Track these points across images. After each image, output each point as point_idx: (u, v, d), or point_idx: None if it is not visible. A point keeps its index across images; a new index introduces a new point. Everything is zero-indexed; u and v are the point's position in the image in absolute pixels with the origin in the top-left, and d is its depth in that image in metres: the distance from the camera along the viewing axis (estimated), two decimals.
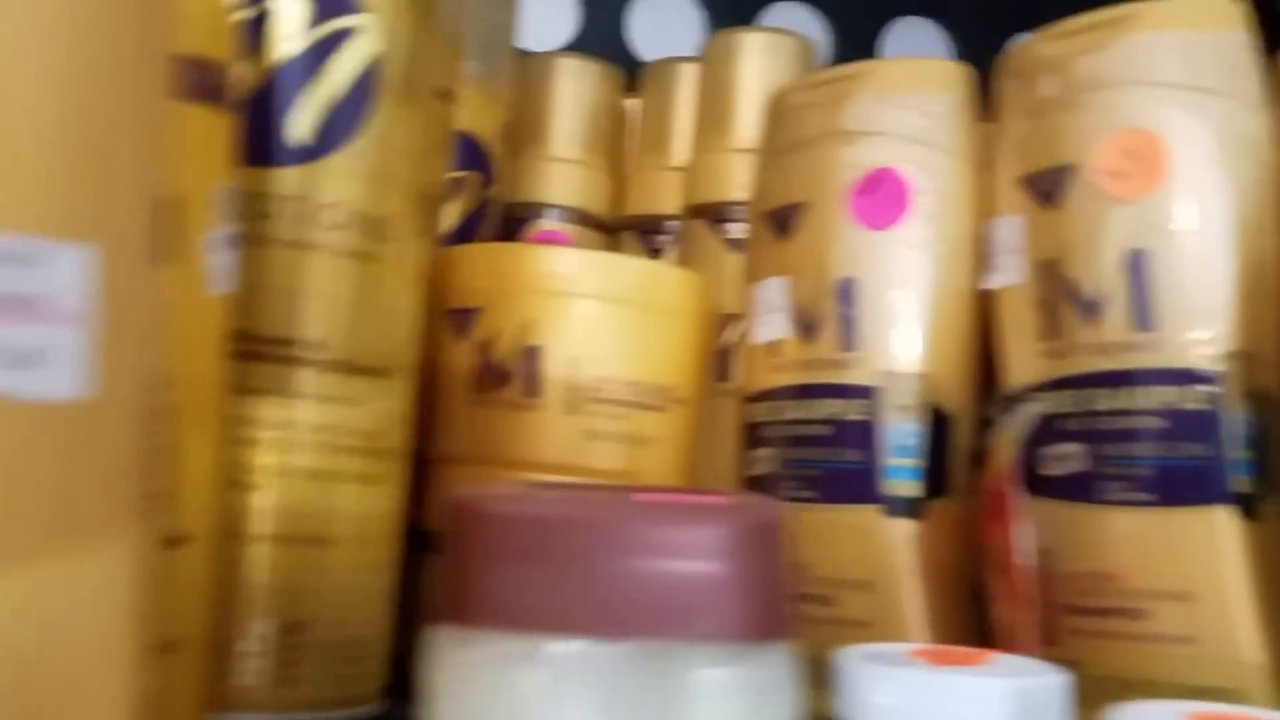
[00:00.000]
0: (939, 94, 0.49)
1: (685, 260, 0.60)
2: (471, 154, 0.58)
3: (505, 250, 0.50)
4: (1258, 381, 0.40)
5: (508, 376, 0.47)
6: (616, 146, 0.68)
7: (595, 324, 0.47)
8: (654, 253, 0.63)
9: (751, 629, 0.24)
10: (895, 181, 0.48)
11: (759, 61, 0.61)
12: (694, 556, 0.23)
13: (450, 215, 0.56)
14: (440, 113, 0.48)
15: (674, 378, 0.49)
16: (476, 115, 0.58)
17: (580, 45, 0.80)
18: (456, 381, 0.48)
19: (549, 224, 0.64)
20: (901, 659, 0.32)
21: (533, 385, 0.47)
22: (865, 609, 0.45)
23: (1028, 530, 0.41)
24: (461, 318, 0.48)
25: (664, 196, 0.63)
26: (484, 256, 0.49)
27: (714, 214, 0.58)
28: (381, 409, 0.38)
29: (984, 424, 0.47)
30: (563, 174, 0.65)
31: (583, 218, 0.65)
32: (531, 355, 0.47)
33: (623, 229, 0.66)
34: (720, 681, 0.23)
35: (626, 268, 0.49)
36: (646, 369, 0.48)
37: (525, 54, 0.68)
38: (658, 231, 0.63)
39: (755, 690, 0.24)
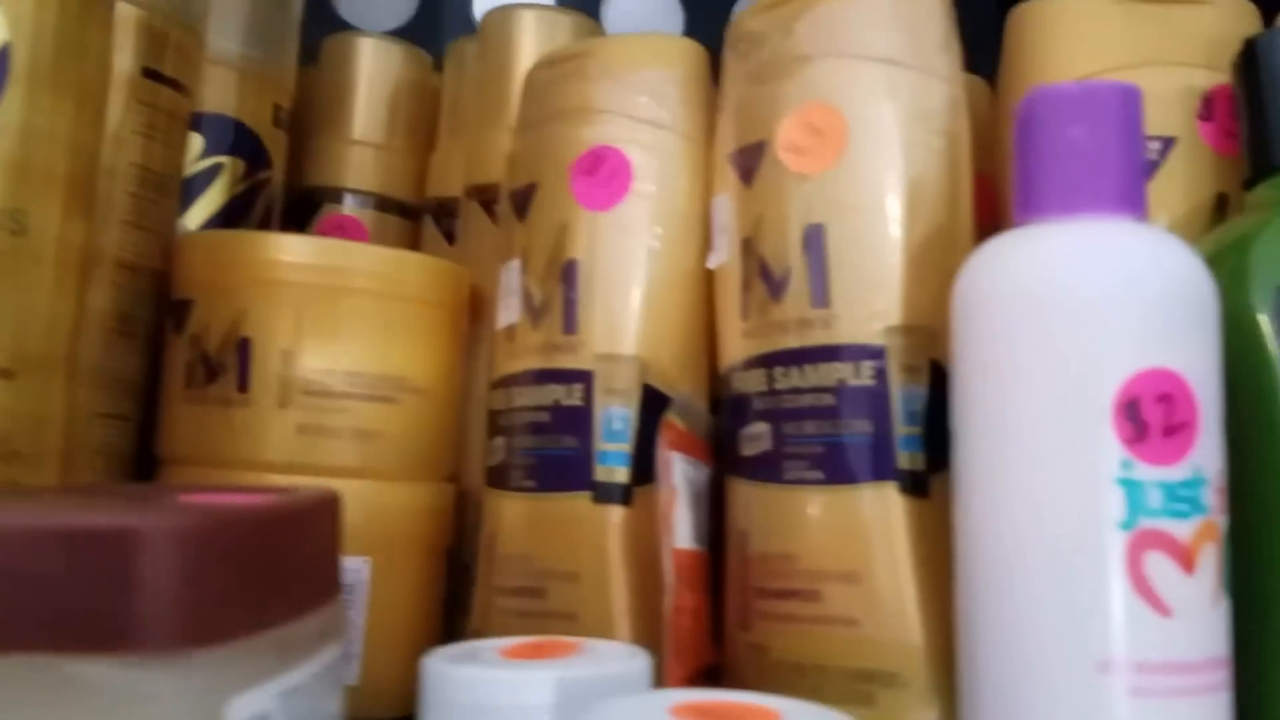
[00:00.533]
0: (666, 70, 0.49)
1: (464, 242, 0.59)
2: (236, 138, 0.57)
3: (218, 238, 0.49)
4: (929, 355, 0.39)
5: (219, 371, 0.46)
6: (424, 128, 0.67)
7: (313, 314, 0.47)
8: (448, 236, 0.62)
9: (158, 638, 0.23)
10: (616, 161, 0.47)
11: (533, 39, 0.60)
12: (78, 563, 0.23)
13: (210, 202, 0.56)
14: (163, 97, 0.48)
15: (408, 368, 0.48)
16: (243, 99, 0.58)
17: (420, 24, 0.79)
18: (174, 377, 0.48)
19: (347, 209, 0.64)
20: (484, 655, 0.32)
21: (244, 379, 0.46)
22: (572, 601, 0.44)
23: (683, 515, 0.40)
24: (179, 310, 0.48)
25: (459, 178, 0.62)
26: (199, 246, 0.49)
27: (485, 195, 0.57)
28: (22, 410, 0.37)
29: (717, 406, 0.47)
30: (361, 157, 0.65)
31: (382, 202, 0.64)
32: (243, 348, 0.46)
33: (425, 212, 0.65)
34: (120, 694, 0.23)
35: (351, 255, 0.48)
36: (372, 359, 0.48)
37: (335, 34, 0.68)
38: (453, 214, 0.62)
39: (173, 700, 0.23)
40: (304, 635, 0.28)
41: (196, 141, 0.56)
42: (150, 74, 0.48)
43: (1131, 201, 0.34)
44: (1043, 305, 0.32)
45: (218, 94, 0.56)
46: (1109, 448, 0.31)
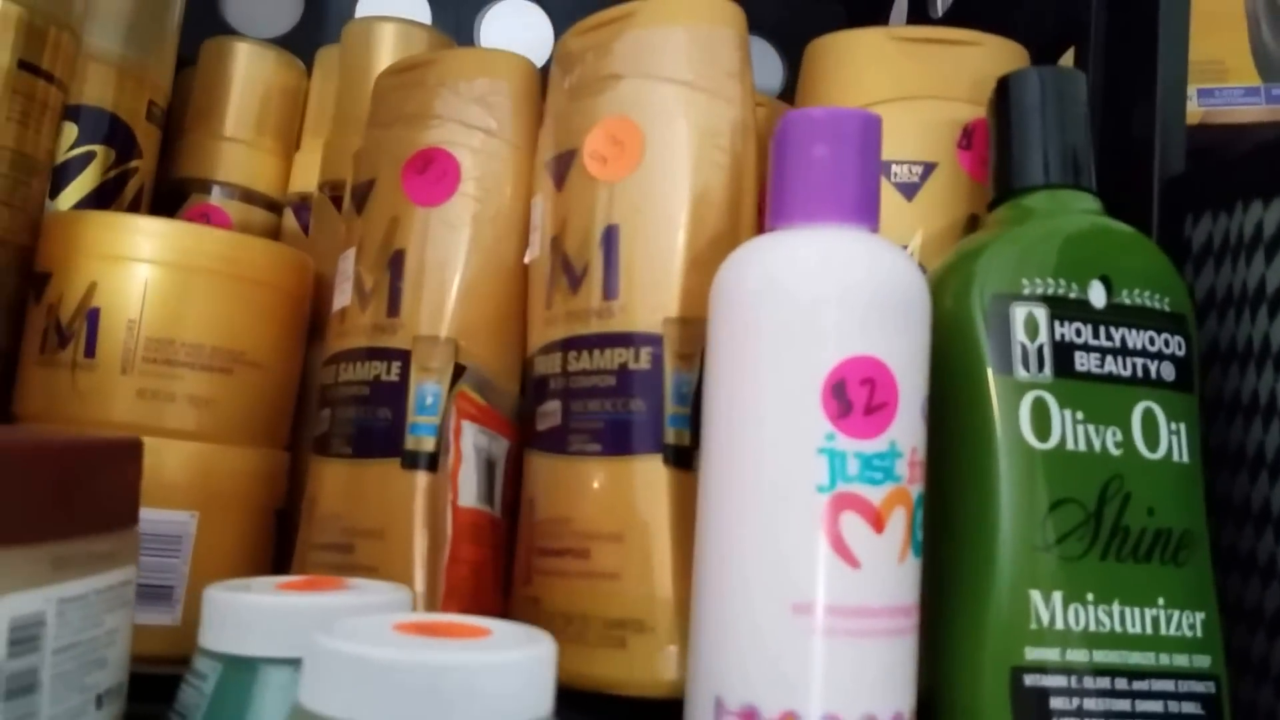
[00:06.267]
0: (497, 82, 0.53)
1: (315, 234, 0.63)
2: (108, 130, 0.61)
3: (76, 217, 0.53)
4: (702, 345, 0.44)
5: (70, 337, 0.50)
6: (291, 130, 0.71)
7: (159, 289, 0.51)
8: (306, 229, 0.67)
9: None
10: (446, 162, 0.52)
11: (390, 49, 0.64)
12: None
13: (81, 186, 0.60)
14: (38, 89, 0.52)
15: (243, 342, 0.52)
16: (120, 94, 0.62)
17: (303, 31, 0.82)
18: (31, 343, 0.51)
19: (214, 199, 0.67)
20: (258, 586, 0.36)
21: (91, 346, 0.50)
22: (376, 556, 0.48)
23: (469, 477, 0.45)
24: (38, 282, 0.52)
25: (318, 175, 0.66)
26: (57, 223, 0.52)
27: (336, 191, 0.62)
28: None
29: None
30: (231, 153, 0.69)
31: (247, 195, 0.68)
32: (92, 317, 0.50)
33: (287, 206, 0.69)
34: None
35: (198, 237, 0.52)
36: (212, 333, 0.52)
37: (215, 38, 0.72)
38: (310, 209, 0.66)
39: None
40: (88, 553, 0.32)
41: (72, 130, 0.60)
42: (26, 67, 0.52)
43: (863, 213, 0.39)
44: (770, 298, 0.37)
45: (96, 88, 0.60)
46: (817, 421, 0.36)
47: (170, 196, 0.67)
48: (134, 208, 0.63)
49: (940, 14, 0.69)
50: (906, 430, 0.37)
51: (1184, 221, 0.49)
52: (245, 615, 0.33)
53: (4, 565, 0.28)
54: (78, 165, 0.60)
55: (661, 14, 0.48)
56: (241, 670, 0.33)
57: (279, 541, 0.55)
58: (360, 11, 0.83)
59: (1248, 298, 0.45)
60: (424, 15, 0.83)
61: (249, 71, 0.70)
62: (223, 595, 0.34)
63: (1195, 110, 0.51)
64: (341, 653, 0.26)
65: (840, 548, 0.36)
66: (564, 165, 0.49)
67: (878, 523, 0.36)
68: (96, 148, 0.61)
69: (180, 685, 0.35)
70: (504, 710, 0.26)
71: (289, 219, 0.68)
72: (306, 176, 0.68)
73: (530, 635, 0.29)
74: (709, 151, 0.46)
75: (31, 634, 0.29)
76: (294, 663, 0.33)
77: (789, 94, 0.63)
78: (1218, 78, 0.69)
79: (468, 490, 0.44)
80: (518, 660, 0.27)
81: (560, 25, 0.83)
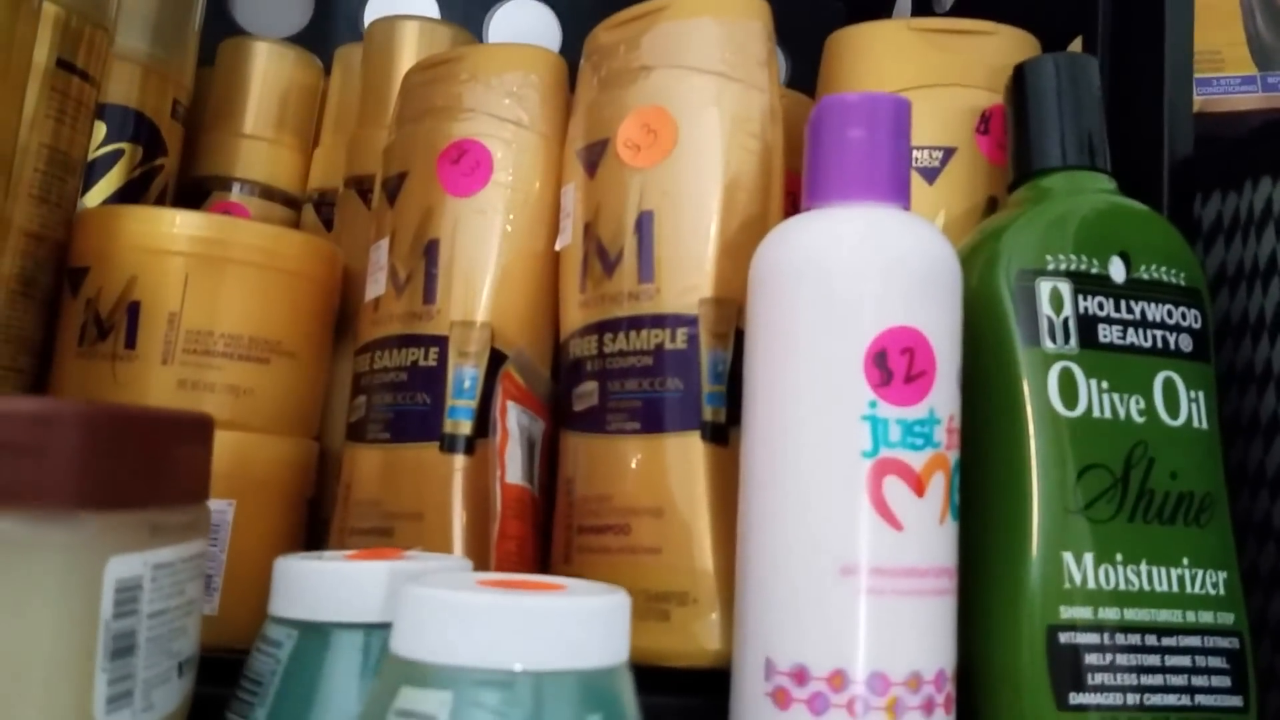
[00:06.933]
0: (527, 75, 0.55)
1: (341, 227, 0.65)
2: (136, 127, 0.62)
3: (114, 212, 0.54)
4: (736, 324, 0.46)
5: (109, 330, 0.51)
6: (309, 126, 0.73)
7: (197, 281, 0.52)
8: (327, 224, 0.68)
9: (54, 500, 0.28)
10: (479, 153, 0.53)
11: (413, 47, 0.66)
12: None
13: (110, 183, 0.61)
14: (73, 87, 0.53)
15: (279, 332, 0.54)
16: (145, 93, 0.63)
17: (313, 31, 0.84)
18: (68, 336, 0.53)
19: (235, 196, 0.69)
20: (327, 557, 0.37)
21: (131, 338, 0.51)
22: (417, 538, 0.50)
23: (514, 455, 0.46)
24: (75, 276, 0.53)
25: (339, 171, 0.67)
26: (94, 219, 0.53)
27: (363, 185, 0.63)
28: None
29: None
30: (250, 150, 0.70)
31: (267, 191, 0.70)
32: (131, 310, 0.51)
33: (306, 202, 0.70)
34: (22, 544, 0.28)
35: (234, 229, 0.53)
36: (249, 324, 0.53)
37: (232, 38, 0.73)
38: (332, 204, 0.68)
39: (64, 552, 0.29)
40: (174, 523, 0.33)
41: (100, 128, 0.61)
42: (64, 65, 0.53)
43: (897, 192, 0.41)
44: (813, 273, 0.39)
45: (122, 87, 0.62)
46: (860, 390, 0.38)
47: (191, 194, 0.69)
48: (159, 204, 0.64)
49: (947, 8, 0.70)
50: (944, 398, 0.39)
51: (1193, 201, 0.51)
52: (321, 582, 0.35)
53: (112, 528, 0.30)
54: (106, 163, 0.61)
55: (692, 7, 0.50)
56: (317, 636, 0.34)
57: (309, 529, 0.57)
58: (369, 12, 0.84)
59: (1259, 271, 0.46)
60: (432, 14, 0.84)
61: (268, 70, 0.71)
62: (297, 564, 0.35)
63: (1194, 99, 0.53)
64: (437, 599, 0.28)
65: (884, 511, 0.37)
66: (596, 154, 0.50)
67: (919, 487, 0.38)
68: (124, 145, 0.62)
69: (250, 654, 0.36)
70: (590, 653, 0.28)
71: (308, 214, 0.69)
72: (325, 172, 0.69)
73: (604, 588, 0.30)
74: (740, 138, 0.48)
75: (132, 596, 0.30)
76: (367, 628, 0.34)
77: (790, 86, 0.65)
78: (1215, 67, 0.71)
79: (514, 467, 0.46)
80: (603, 605, 0.28)
81: (568, 23, 0.84)
